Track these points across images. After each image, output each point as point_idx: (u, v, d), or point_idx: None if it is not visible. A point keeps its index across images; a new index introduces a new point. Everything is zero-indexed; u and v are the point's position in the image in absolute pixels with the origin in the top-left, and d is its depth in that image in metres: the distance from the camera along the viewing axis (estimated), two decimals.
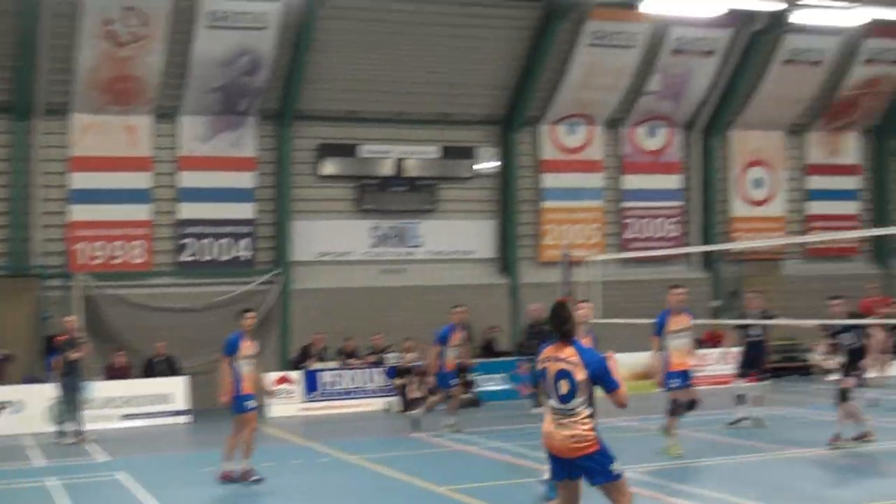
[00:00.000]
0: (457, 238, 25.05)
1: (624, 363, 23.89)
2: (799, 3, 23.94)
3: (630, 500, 7.94)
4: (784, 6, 24.10)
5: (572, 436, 7.79)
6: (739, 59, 25.95)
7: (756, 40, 25.62)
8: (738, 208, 27.65)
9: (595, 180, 26.10)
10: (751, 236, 27.42)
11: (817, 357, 24.96)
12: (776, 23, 25.02)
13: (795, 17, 24.31)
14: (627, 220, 26.53)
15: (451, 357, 18.00)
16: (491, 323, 24.51)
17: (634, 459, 12.53)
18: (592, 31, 24.16)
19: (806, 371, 25.14)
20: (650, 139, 26.63)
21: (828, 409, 15.67)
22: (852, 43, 26.67)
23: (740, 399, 17.12)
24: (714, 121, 26.94)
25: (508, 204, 25.24)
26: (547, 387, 7.99)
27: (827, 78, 27.12)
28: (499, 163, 25.23)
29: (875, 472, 13.29)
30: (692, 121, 26.97)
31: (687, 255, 26.86)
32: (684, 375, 14.82)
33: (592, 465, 7.82)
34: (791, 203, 28.40)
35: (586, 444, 7.80)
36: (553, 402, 7.94)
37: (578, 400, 7.81)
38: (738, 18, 25.03)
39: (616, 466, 7.86)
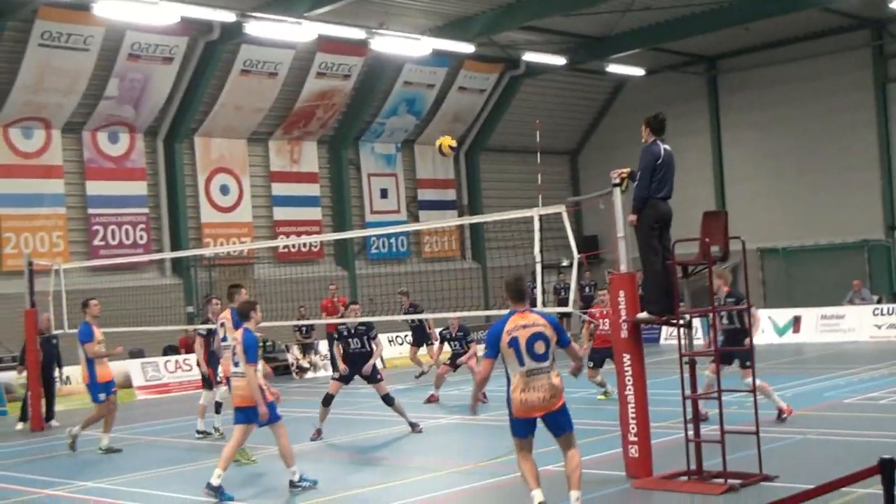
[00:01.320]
0: None
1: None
2: (251, 14, 24.79)
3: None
4: (235, 18, 24.71)
5: (552, 394, 8.72)
6: (197, 68, 26.48)
7: (213, 49, 26.24)
8: (208, 214, 28.13)
9: (56, 186, 25.30)
10: (221, 241, 28.01)
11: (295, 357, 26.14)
12: (231, 33, 25.71)
13: (250, 29, 24.97)
14: (95, 227, 26.02)
15: None
16: None
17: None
18: (42, 31, 23.38)
19: (286, 370, 26.14)
20: (112, 145, 26.36)
21: (305, 406, 16.45)
22: (305, 56, 28.25)
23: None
24: (176, 127, 27.23)
25: None
26: (520, 355, 8.69)
27: (283, 89, 28.49)
28: None
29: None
30: (155, 127, 27.10)
31: (159, 261, 26.87)
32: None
33: (562, 416, 8.84)
34: (258, 209, 29.42)
35: (560, 397, 8.79)
36: (528, 366, 8.70)
37: (551, 356, 8.77)
38: (193, 27, 25.56)
39: None
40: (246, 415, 11.31)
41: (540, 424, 8.88)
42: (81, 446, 16.56)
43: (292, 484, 11.34)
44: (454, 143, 13.54)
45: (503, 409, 15.30)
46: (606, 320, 16.74)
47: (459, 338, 19.13)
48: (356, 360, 15.13)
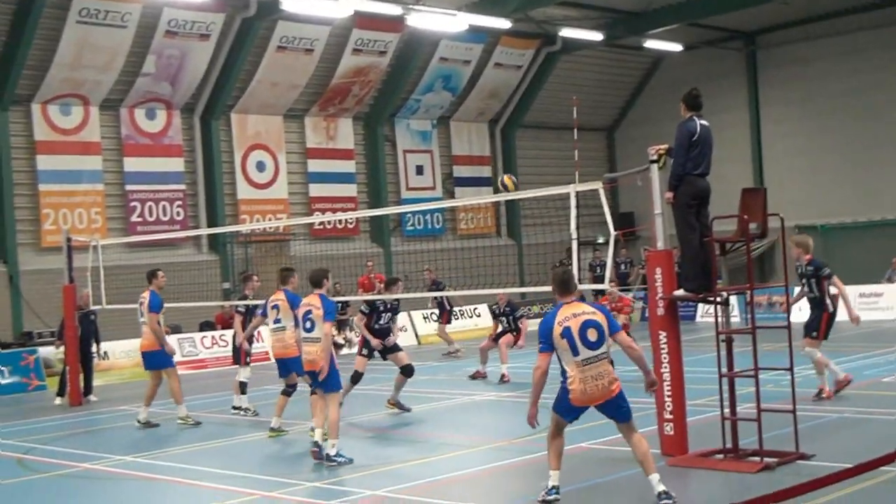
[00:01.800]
0: None
1: (134, 348, 23.78)
2: None
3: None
4: None
5: (611, 381, 8.76)
6: (234, 44, 26.54)
7: (249, 26, 26.31)
8: (244, 191, 28.25)
9: (94, 163, 25.48)
10: (257, 218, 28.13)
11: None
12: (268, 10, 25.78)
13: (286, 6, 25.00)
14: (132, 204, 26.20)
15: None
16: None
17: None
18: (80, 8, 23.50)
19: None
20: (149, 121, 26.50)
21: None
22: (341, 33, 28.24)
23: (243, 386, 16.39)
24: (212, 104, 27.33)
25: (2, 187, 23.95)
26: (574, 344, 8.65)
27: (319, 65, 28.50)
28: None
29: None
30: (192, 104, 27.22)
31: (196, 237, 27.05)
32: None
33: (622, 402, 8.86)
34: (293, 185, 29.50)
35: (618, 383, 8.81)
36: (583, 355, 8.67)
37: (606, 343, 8.77)
38: (230, 4, 25.63)
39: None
40: (325, 383, 11.63)
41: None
42: (119, 420, 16.77)
43: (328, 458, 11.38)
44: (511, 182, 13.79)
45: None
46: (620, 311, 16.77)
47: (507, 313, 18.91)
48: (380, 335, 15.16)
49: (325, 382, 11.63)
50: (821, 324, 13.85)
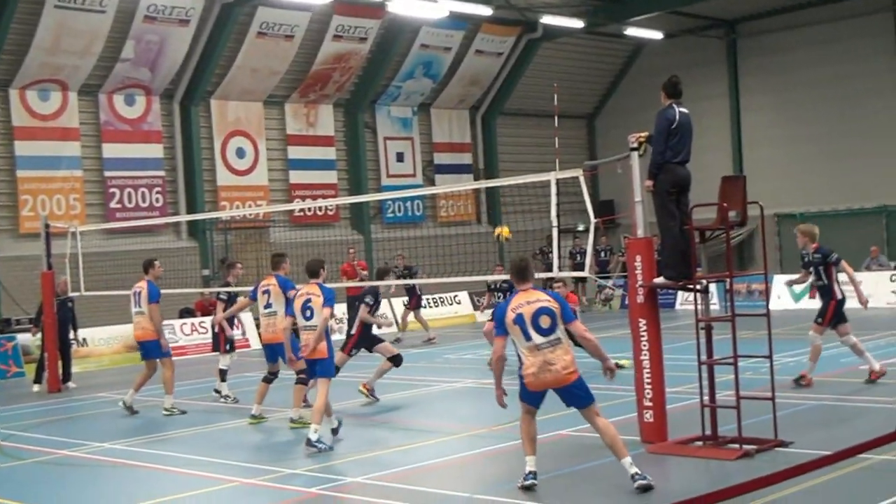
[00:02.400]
0: None
1: (112, 335, 23.75)
2: None
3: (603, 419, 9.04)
4: None
5: (564, 367, 8.82)
6: (214, 30, 26.36)
7: (229, 12, 26.12)
8: (223, 177, 28.09)
9: (72, 149, 25.27)
10: (237, 205, 28.02)
11: None
12: None
13: None
14: (111, 190, 26.01)
15: None
16: None
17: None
18: None
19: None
20: (128, 107, 26.29)
21: None
22: (321, 19, 28.11)
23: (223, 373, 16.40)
24: (192, 90, 27.15)
25: None
26: (526, 330, 8.84)
27: (299, 52, 28.38)
28: None
29: None
30: (171, 89, 27.05)
31: (175, 224, 26.92)
32: None
33: (578, 390, 8.93)
34: (273, 172, 29.37)
35: (574, 370, 8.87)
36: (535, 340, 8.85)
37: (559, 330, 8.88)
38: None
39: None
40: (322, 366, 11.89)
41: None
42: (98, 407, 16.72)
43: (308, 442, 11.41)
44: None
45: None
46: None
47: (505, 289, 18.84)
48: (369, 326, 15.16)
49: (321, 367, 11.86)
50: (827, 311, 13.93)
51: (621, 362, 16.83)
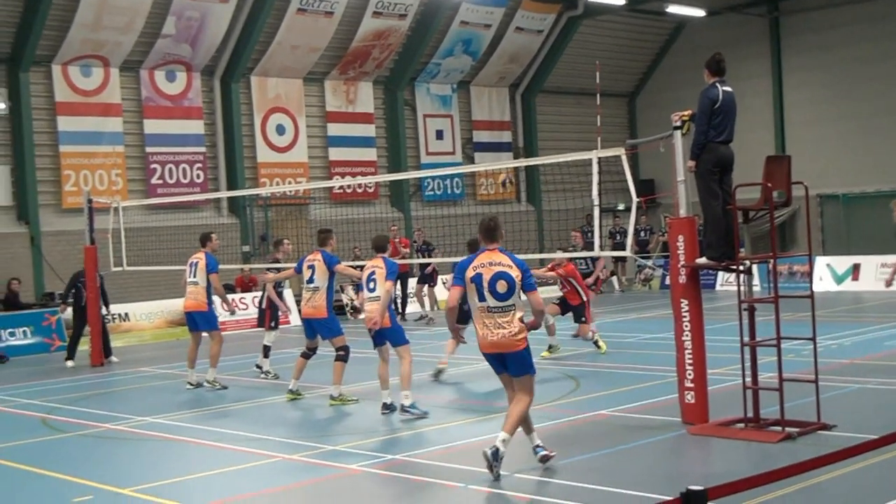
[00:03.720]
0: None
1: (153, 310, 23.99)
2: None
3: (532, 394, 9.18)
4: None
5: (513, 334, 8.92)
6: (254, 6, 26.37)
7: None
8: (264, 154, 28.19)
9: (114, 124, 25.45)
10: (277, 181, 28.13)
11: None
12: None
13: None
14: (153, 166, 26.18)
15: None
16: (11, 273, 23.35)
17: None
18: None
19: (340, 311, 26.43)
20: (169, 83, 26.43)
21: (358, 347, 16.49)
22: None
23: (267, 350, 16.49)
24: (232, 67, 27.23)
25: (23, 148, 23.97)
26: (481, 290, 8.95)
27: (339, 28, 28.34)
28: (7, 104, 23.90)
29: None
30: (212, 66, 27.15)
31: (215, 200, 27.08)
32: None
33: (518, 360, 9.01)
34: (313, 149, 29.43)
35: (521, 340, 8.95)
36: (489, 303, 8.95)
37: (514, 297, 8.94)
38: None
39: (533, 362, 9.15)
40: (393, 336, 12.39)
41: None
42: (140, 381, 16.89)
43: (403, 409, 11.96)
44: None
45: (556, 355, 15.32)
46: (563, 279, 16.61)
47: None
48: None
49: (391, 337, 12.36)
50: None
51: (601, 343, 16.57)
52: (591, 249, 18.01)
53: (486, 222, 9.35)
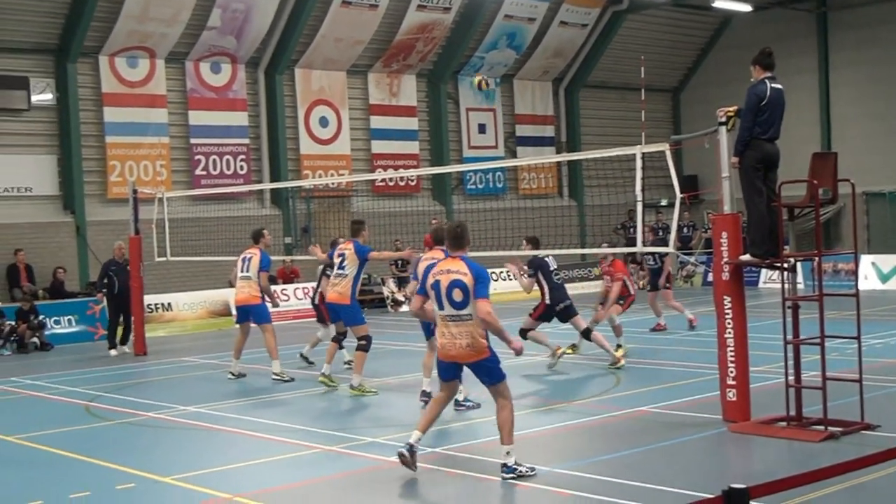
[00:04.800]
0: (13, 174, 23.70)
1: (196, 300, 24.20)
2: None
3: (510, 398, 8.93)
4: None
5: (470, 344, 8.76)
6: None
7: None
8: (307, 146, 28.31)
9: (160, 115, 25.66)
10: (320, 174, 28.24)
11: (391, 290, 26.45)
12: None
13: None
14: (197, 157, 26.38)
15: None
16: (57, 262, 23.65)
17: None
18: None
19: (381, 303, 26.57)
20: (215, 75, 26.61)
21: (399, 340, 16.57)
22: None
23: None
24: (277, 59, 27.36)
25: (70, 138, 24.22)
26: (440, 298, 8.85)
27: (383, 21, 28.38)
28: (54, 95, 24.18)
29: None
30: (256, 58, 27.30)
31: (258, 192, 27.23)
32: None
33: (481, 370, 8.89)
34: (356, 142, 29.51)
35: (482, 349, 8.79)
36: (447, 311, 8.84)
37: (470, 305, 8.73)
38: None
39: (502, 367, 8.91)
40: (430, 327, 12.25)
41: None
42: (182, 371, 17.03)
43: (456, 402, 11.92)
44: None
45: (601, 350, 15.26)
46: (611, 276, 16.45)
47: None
48: None
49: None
50: None
51: (567, 350, 16.27)
52: (634, 245, 17.91)
53: (454, 229, 9.20)
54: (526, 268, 15.00)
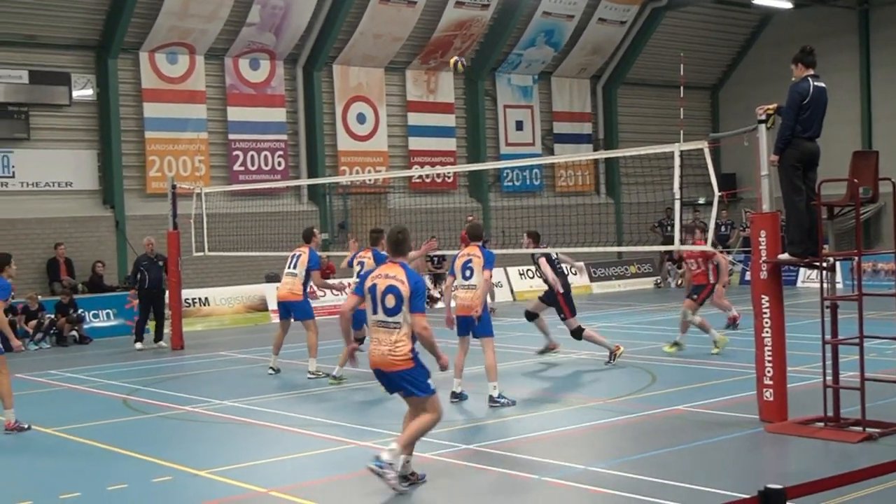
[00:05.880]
0: (54, 168, 23.93)
1: (233, 295, 24.34)
2: None
3: (440, 414, 8.79)
4: None
5: (391, 351, 8.57)
6: None
7: None
8: (344, 142, 28.38)
9: (199, 111, 25.82)
10: (357, 170, 28.31)
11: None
12: None
13: None
14: (235, 153, 26.53)
15: None
16: (96, 257, 23.88)
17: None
18: None
19: None
20: (253, 71, 26.74)
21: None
22: None
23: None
24: (315, 55, 27.45)
25: (109, 133, 24.43)
26: (375, 302, 8.70)
27: (421, 18, 28.41)
28: (95, 90, 24.40)
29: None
30: (295, 54, 27.41)
31: (296, 188, 27.35)
32: None
33: (399, 379, 8.65)
34: (393, 138, 29.55)
35: (403, 360, 8.55)
36: (378, 316, 8.69)
37: (401, 314, 8.56)
38: None
39: (430, 382, 8.67)
40: (468, 325, 12.53)
41: None
42: (219, 366, 17.15)
43: (491, 399, 12.11)
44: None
45: (633, 349, 15.20)
46: (692, 260, 16.37)
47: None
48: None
49: (479, 327, 12.44)
50: None
51: (669, 349, 16.23)
52: (672, 243, 17.81)
53: (395, 234, 9.02)
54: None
